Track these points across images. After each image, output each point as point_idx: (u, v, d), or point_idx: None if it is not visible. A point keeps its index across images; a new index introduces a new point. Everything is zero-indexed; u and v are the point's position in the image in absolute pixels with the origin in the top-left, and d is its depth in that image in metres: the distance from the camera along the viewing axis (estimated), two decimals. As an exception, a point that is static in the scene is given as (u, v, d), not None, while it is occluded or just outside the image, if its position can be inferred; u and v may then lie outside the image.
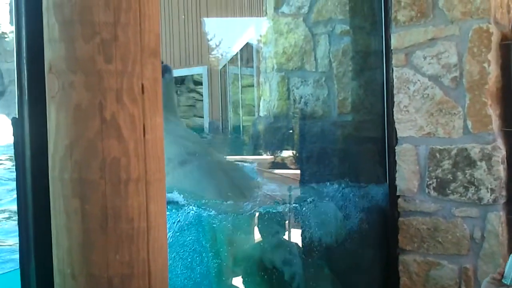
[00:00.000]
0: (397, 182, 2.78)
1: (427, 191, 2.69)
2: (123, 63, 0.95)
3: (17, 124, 1.07)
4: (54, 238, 0.98)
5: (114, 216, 0.93)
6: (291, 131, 3.19)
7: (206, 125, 14.52)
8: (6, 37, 20.21)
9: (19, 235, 1.09)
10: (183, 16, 15.14)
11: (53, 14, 0.96)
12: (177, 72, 15.69)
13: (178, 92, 15.92)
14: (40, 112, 1.03)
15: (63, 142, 0.95)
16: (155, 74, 1.02)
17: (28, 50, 1.05)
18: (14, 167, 1.08)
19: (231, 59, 11.88)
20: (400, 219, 2.78)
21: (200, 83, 15.68)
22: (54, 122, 0.97)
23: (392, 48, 2.80)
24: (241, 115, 10.57)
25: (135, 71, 0.97)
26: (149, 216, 0.96)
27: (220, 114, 13.68)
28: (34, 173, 1.05)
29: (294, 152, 3.29)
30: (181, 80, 15.85)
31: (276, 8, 3.16)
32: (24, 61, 1.05)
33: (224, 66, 12.67)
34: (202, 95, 15.69)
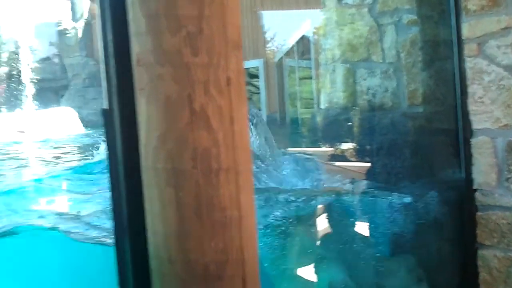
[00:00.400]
0: (473, 176, 2.68)
1: (506, 185, 2.59)
2: (209, 55, 0.97)
3: (107, 115, 1.11)
4: (149, 225, 1.01)
5: (207, 205, 0.95)
6: (358, 122, 3.15)
7: (264, 117, 14.61)
8: (68, 33, 20.92)
9: (114, 221, 1.13)
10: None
11: (139, 8, 0.98)
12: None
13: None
14: (128, 104, 1.06)
15: (155, 133, 0.97)
16: (238, 66, 1.02)
17: (114, 44, 1.08)
18: (107, 156, 1.12)
19: (287, 51, 11.84)
20: (478, 213, 2.69)
21: (256, 76, 15.75)
22: (145, 113, 0.99)
23: (463, 38, 2.70)
24: (298, 107, 10.52)
25: (220, 63, 0.98)
26: (240, 205, 0.98)
27: (278, 107, 13.68)
28: (125, 162, 1.08)
29: (363, 144, 3.25)
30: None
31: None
32: (112, 55, 1.08)
33: (280, 58, 12.66)
34: (257, 88, 15.77)
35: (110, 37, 1.09)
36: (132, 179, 1.08)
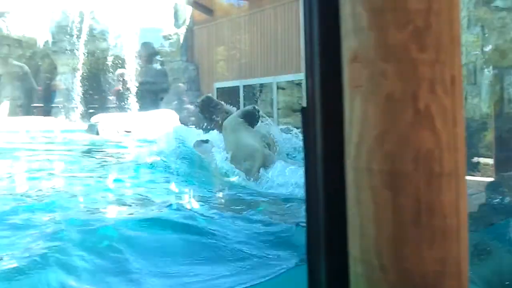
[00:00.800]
0: None
1: None
2: (436, 52, 0.91)
3: (306, 113, 1.08)
4: (356, 227, 0.98)
5: (427, 211, 0.90)
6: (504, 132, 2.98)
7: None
8: (170, 39, 21.74)
9: (307, 222, 1.10)
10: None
11: (361, 3, 0.95)
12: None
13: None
14: (331, 102, 1.03)
15: (372, 132, 0.93)
16: (460, 65, 0.96)
17: (320, 43, 1.06)
18: (304, 154, 1.10)
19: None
20: None
21: None
22: (359, 112, 0.96)
23: None
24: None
25: (446, 61, 0.92)
26: (459, 212, 0.92)
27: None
28: (325, 161, 1.05)
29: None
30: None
31: (487, 2, 2.95)
32: (317, 52, 1.06)
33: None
34: None
35: (316, 33, 1.07)
36: (332, 177, 1.05)
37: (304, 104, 1.10)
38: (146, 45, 22.28)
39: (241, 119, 7.45)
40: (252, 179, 6.51)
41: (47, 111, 21.90)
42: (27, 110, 21.92)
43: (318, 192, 1.09)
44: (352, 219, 1.01)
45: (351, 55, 0.97)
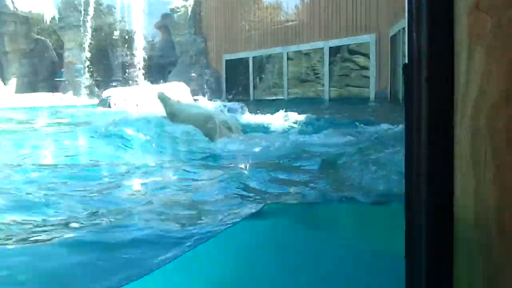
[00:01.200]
0: None
1: None
2: None
3: (409, 70, 1.01)
4: (470, 190, 0.91)
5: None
6: None
7: (372, 95, 14.17)
8: (178, 11, 21.47)
9: (407, 182, 1.04)
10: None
11: None
12: (340, 42, 15.50)
13: (332, 62, 15.76)
14: (439, 56, 0.96)
15: (496, 88, 0.86)
16: None
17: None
18: (405, 112, 1.03)
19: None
20: None
21: (356, 52, 15.29)
22: (480, 65, 0.88)
23: None
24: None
25: None
26: None
27: (389, 84, 13.20)
28: (431, 121, 0.98)
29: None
30: (335, 50, 15.63)
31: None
32: (424, 4, 0.98)
33: (397, 32, 12.09)
34: (357, 65, 15.29)
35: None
36: (437, 137, 0.98)
37: (406, 61, 1.03)
38: (153, 18, 22.03)
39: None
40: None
41: (55, 87, 21.84)
42: (35, 86, 21.86)
43: (421, 154, 1.02)
44: (464, 182, 0.95)
45: (471, 3, 0.90)
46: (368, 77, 14.75)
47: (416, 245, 1.05)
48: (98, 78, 21.79)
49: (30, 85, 21.87)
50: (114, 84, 20.02)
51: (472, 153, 0.93)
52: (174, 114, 7.84)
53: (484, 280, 0.92)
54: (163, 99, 8.19)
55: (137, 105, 13.36)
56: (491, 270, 0.91)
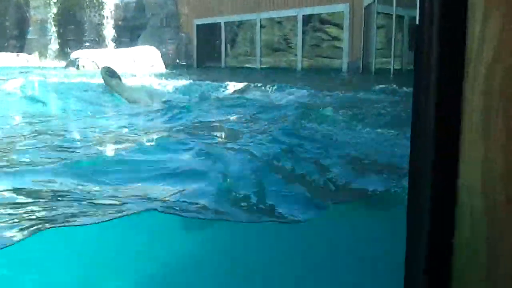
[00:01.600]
0: None
1: None
2: None
3: (421, 32, 0.98)
4: (477, 156, 0.90)
5: None
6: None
7: (345, 66, 14.20)
8: (148, -28, 20.86)
9: (412, 147, 1.02)
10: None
11: None
12: (314, 10, 15.38)
13: (305, 32, 15.65)
14: (451, 18, 0.93)
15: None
16: None
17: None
18: (415, 76, 1.00)
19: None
20: None
21: (328, 22, 15.23)
22: (495, 27, 0.86)
23: None
24: (392, 57, 10.07)
25: None
26: None
27: (361, 55, 13.24)
28: (440, 84, 0.96)
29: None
30: (308, 19, 15.52)
31: None
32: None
33: (371, 3, 12.07)
34: (329, 35, 15.24)
35: None
36: (447, 98, 0.97)
37: (417, 22, 1.00)
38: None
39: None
40: None
41: (19, 48, 21.12)
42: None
43: (428, 116, 1.00)
44: (472, 147, 0.93)
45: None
46: (339, 48, 14.75)
47: (418, 211, 1.05)
48: (66, 39, 21.15)
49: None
50: (82, 45, 19.47)
51: (482, 119, 0.91)
52: (117, 91, 8.80)
53: (488, 248, 0.91)
54: (104, 78, 9.20)
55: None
56: (495, 238, 0.91)
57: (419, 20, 1.00)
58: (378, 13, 11.70)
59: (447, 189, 0.99)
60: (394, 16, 9.89)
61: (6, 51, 20.14)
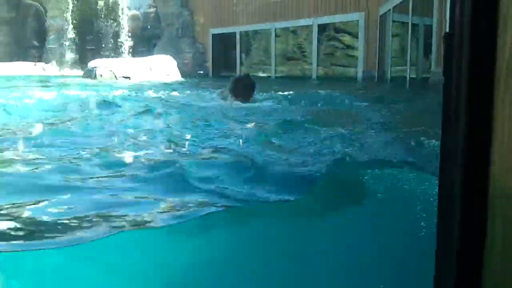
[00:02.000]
0: None
1: None
2: None
3: (451, 40, 0.99)
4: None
5: None
6: None
7: (360, 74, 14.17)
8: (165, -17, 21.07)
9: (443, 137, 1.02)
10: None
11: None
12: (329, 19, 15.41)
13: (320, 40, 15.64)
14: (483, 25, 0.94)
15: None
16: None
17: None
18: (444, 83, 1.01)
19: (398, 4, 11.09)
20: None
21: (343, 31, 15.23)
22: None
23: None
24: (408, 65, 10.02)
25: None
26: None
27: (376, 63, 13.21)
28: (471, 92, 0.96)
29: None
30: (322, 28, 15.53)
31: None
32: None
33: (387, 12, 12.05)
34: (343, 43, 15.24)
35: None
36: (477, 106, 0.97)
37: (447, 29, 1.01)
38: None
39: None
40: None
41: (37, 57, 21.41)
42: (17, 55, 21.40)
43: (459, 128, 1.00)
44: (504, 155, 0.93)
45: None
46: (353, 56, 14.73)
47: (449, 219, 1.05)
48: (83, 48, 21.41)
49: (11, 54, 21.40)
50: (99, 55, 19.70)
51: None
52: None
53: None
54: None
55: (125, 77, 13.19)
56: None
57: (450, 28, 1.01)
58: (393, 21, 11.68)
59: (479, 198, 0.99)
60: (410, 25, 9.85)
61: (24, 60, 20.44)
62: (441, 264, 1.06)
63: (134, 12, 21.58)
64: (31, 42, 22.24)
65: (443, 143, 1.04)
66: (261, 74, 17.75)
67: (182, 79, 14.82)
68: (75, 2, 20.99)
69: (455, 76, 1.00)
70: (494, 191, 0.97)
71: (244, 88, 7.39)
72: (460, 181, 1.01)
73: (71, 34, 20.85)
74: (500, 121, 0.94)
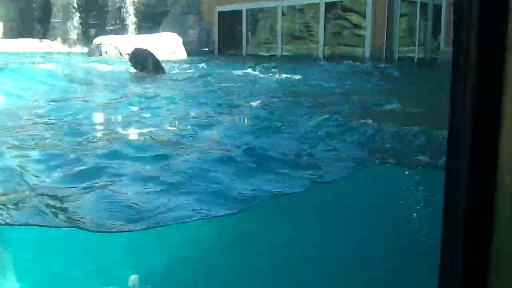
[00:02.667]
0: None
1: None
2: None
3: (460, 14, 0.95)
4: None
5: None
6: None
7: (368, 54, 14.02)
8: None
9: (451, 123, 1.00)
10: None
11: None
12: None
13: (327, 19, 15.45)
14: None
15: None
16: None
17: None
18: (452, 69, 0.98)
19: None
20: None
21: (350, 10, 15.02)
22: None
23: None
24: (417, 45, 9.89)
25: None
26: None
27: (384, 43, 13.06)
28: (479, 70, 0.93)
29: None
30: (329, 7, 15.33)
31: None
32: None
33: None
34: (350, 22, 15.03)
35: None
36: (486, 93, 0.94)
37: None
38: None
39: None
40: None
41: (43, 34, 21.28)
42: (23, 32, 21.27)
43: (466, 122, 0.97)
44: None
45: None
46: (361, 36, 14.56)
47: (454, 217, 1.03)
48: (88, 25, 21.27)
49: (17, 30, 21.30)
50: (104, 32, 19.57)
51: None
52: None
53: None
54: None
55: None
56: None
57: (455, 21, 0.98)
58: (402, 0, 11.53)
59: (485, 194, 0.97)
60: (418, 4, 9.72)
61: (29, 37, 20.34)
62: (446, 261, 1.05)
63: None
64: (36, 19, 22.11)
65: (450, 127, 1.02)
66: (267, 53, 17.60)
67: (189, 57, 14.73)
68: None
69: (463, 70, 0.97)
70: (501, 184, 0.95)
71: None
72: (467, 175, 0.99)
73: (76, 10, 20.68)
74: (509, 117, 0.92)
